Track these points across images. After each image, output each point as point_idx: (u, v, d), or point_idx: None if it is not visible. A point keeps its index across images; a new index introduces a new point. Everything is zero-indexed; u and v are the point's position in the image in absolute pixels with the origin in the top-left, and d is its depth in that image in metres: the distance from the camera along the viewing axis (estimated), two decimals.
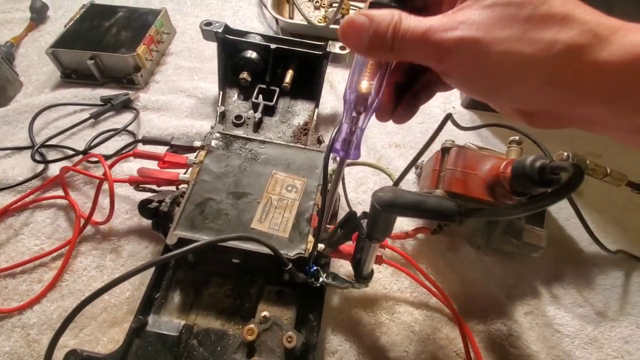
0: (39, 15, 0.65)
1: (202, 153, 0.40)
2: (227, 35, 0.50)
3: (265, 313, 0.33)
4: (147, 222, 0.43)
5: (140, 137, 0.44)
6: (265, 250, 0.32)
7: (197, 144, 0.42)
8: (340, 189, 0.45)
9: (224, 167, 0.39)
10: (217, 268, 0.38)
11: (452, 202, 0.24)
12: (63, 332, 0.28)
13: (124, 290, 0.39)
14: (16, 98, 0.55)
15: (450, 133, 0.53)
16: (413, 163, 0.39)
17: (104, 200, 0.44)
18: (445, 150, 0.38)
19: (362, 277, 0.34)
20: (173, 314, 0.36)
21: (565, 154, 0.40)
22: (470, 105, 0.57)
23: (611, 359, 0.37)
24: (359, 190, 0.48)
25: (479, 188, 0.36)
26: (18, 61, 0.60)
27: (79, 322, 0.36)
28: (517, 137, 0.39)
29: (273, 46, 0.50)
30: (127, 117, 0.53)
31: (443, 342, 0.37)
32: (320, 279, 0.35)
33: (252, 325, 0.31)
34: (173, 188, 0.41)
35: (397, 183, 0.42)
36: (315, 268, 0.35)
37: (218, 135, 0.41)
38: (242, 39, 0.50)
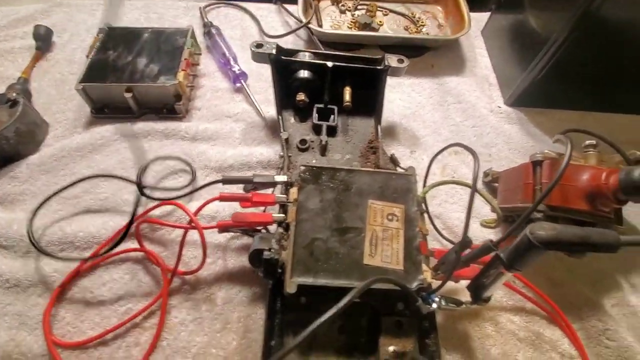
0: (44, 43, 0.59)
1: (294, 190, 0.38)
2: (281, 57, 0.47)
3: (392, 347, 0.34)
4: (232, 266, 0.42)
5: (222, 176, 0.40)
6: (387, 286, 0.32)
7: (279, 178, 0.40)
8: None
9: (319, 202, 0.38)
10: (327, 306, 0.37)
11: (613, 233, 0.25)
12: None
13: (229, 340, 0.37)
14: (46, 142, 0.50)
15: (492, 129, 0.54)
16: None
17: (174, 247, 0.41)
18: (536, 163, 0.39)
19: (482, 299, 0.35)
20: (294, 358, 0.35)
21: (638, 152, 0.42)
22: (515, 103, 0.59)
23: None
24: (432, 204, 0.48)
25: (577, 199, 0.37)
26: (34, 98, 0.54)
27: None
28: (593, 141, 0.41)
29: (330, 64, 0.48)
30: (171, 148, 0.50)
31: (548, 344, 0.39)
32: (434, 304, 0.35)
33: None
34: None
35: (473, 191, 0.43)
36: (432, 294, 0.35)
37: (303, 168, 0.40)
38: (296, 59, 0.48)
